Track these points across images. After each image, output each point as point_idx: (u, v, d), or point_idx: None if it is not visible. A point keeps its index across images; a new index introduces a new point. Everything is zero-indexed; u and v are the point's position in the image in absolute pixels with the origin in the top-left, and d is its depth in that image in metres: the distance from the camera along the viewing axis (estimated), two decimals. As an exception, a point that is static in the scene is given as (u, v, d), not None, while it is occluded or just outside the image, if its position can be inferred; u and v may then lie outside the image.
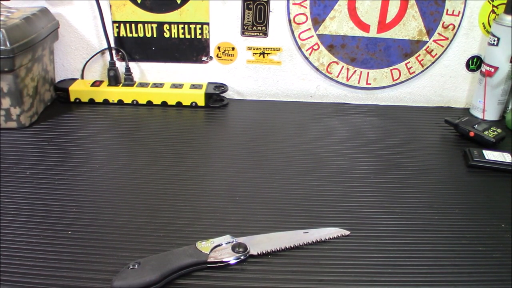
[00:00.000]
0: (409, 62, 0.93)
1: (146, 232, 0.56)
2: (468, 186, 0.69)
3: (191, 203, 0.62)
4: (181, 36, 0.91)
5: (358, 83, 0.95)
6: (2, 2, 0.84)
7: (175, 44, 0.91)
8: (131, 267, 0.47)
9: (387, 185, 0.68)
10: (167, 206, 0.61)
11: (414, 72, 0.94)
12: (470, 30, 0.90)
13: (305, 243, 0.55)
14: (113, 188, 0.64)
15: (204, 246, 0.51)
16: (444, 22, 0.89)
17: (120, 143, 0.77)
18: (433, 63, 0.93)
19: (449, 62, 0.93)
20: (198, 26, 0.90)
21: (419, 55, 0.92)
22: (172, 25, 0.90)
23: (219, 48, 0.92)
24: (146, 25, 0.89)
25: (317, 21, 0.89)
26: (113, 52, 0.90)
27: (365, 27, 0.89)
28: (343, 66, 0.93)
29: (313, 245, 0.55)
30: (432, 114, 0.93)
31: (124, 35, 0.90)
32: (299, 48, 0.91)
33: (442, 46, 0.92)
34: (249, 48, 0.92)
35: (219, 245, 0.52)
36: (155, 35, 0.90)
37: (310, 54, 0.92)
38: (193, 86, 0.91)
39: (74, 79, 0.92)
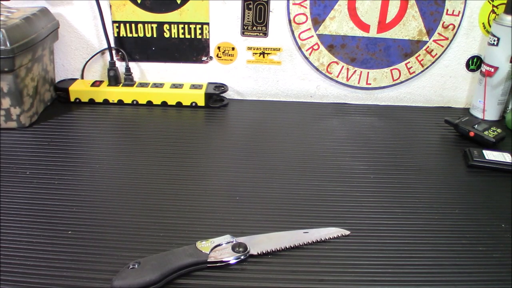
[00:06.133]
0: (409, 62, 0.93)
1: (146, 232, 0.56)
2: (468, 186, 0.69)
3: (191, 203, 0.62)
4: (181, 36, 0.91)
5: (358, 83, 0.95)
6: (2, 2, 0.84)
7: (175, 44, 0.91)
8: (131, 267, 0.47)
9: (387, 185, 0.68)
10: (167, 206, 0.61)
11: (414, 72, 0.94)
12: (470, 30, 0.90)
13: (305, 243, 0.55)
14: (113, 188, 0.64)
15: (204, 246, 0.51)
16: (444, 22, 0.89)
17: (120, 143, 0.77)
18: (433, 63, 0.93)
19: (449, 62, 0.93)
20: (198, 26, 0.90)
21: (419, 55, 0.92)
22: (172, 25, 0.90)
23: (219, 48, 0.92)
24: (146, 25, 0.89)
25: (317, 21, 0.89)
26: (113, 52, 0.90)
27: (365, 27, 0.89)
28: (343, 66, 0.93)
29: (313, 245, 0.55)
30: (432, 114, 0.93)
31: (124, 35, 0.90)
32: (299, 48, 0.91)
33: (442, 46, 0.92)
34: (249, 48, 0.92)
35: (219, 245, 0.52)
36: (155, 35, 0.90)
37: (310, 54, 0.92)
38: (193, 86, 0.91)
39: (74, 79, 0.92)
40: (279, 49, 0.92)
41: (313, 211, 0.61)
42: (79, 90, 0.88)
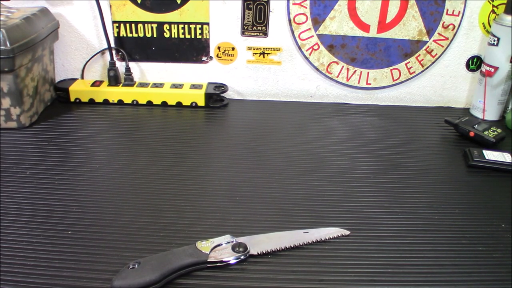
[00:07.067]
0: (409, 62, 0.93)
1: (146, 232, 0.56)
2: (468, 186, 0.69)
3: (191, 203, 0.62)
4: (181, 36, 0.91)
5: (358, 83, 0.95)
6: (2, 2, 0.84)
7: (175, 44, 0.91)
8: (131, 267, 0.47)
9: (387, 185, 0.68)
10: (167, 206, 0.61)
11: (414, 72, 0.94)
12: (470, 30, 0.90)
13: (305, 243, 0.55)
14: (113, 188, 0.64)
15: (204, 246, 0.51)
16: (444, 22, 0.89)
17: (120, 143, 0.77)
18: (433, 63, 0.93)
19: (449, 62, 0.93)
20: (198, 26, 0.90)
21: (419, 55, 0.92)
22: (172, 25, 0.90)
23: (219, 48, 0.92)
24: (146, 25, 0.89)
25: (317, 21, 0.89)
26: (113, 52, 0.90)
27: (365, 27, 0.89)
28: (343, 66, 0.93)
29: (313, 245, 0.55)
30: (432, 114, 0.93)
31: (124, 35, 0.90)
32: (299, 48, 0.91)
33: (442, 46, 0.92)
34: (249, 48, 0.92)
35: (219, 245, 0.52)
36: (155, 35, 0.90)
37: (310, 54, 0.92)
38: (193, 86, 0.91)
39: (74, 79, 0.92)
40: (279, 49, 0.92)
41: (313, 211, 0.61)
42: (79, 90, 0.88)
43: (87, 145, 0.75)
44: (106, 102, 0.89)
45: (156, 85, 0.91)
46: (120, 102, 0.89)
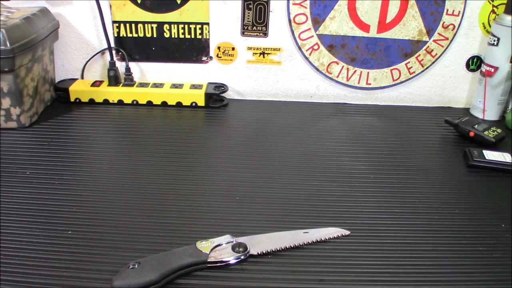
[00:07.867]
0: (409, 62, 0.93)
1: (146, 232, 0.56)
2: (468, 186, 0.69)
3: (191, 203, 0.62)
4: (181, 36, 0.91)
5: (358, 83, 0.95)
6: (2, 2, 0.84)
7: (175, 44, 0.91)
8: (131, 266, 0.47)
9: (387, 185, 0.68)
10: (167, 206, 0.61)
11: (414, 72, 0.94)
12: (470, 30, 0.90)
13: (305, 243, 0.55)
14: (113, 188, 0.64)
15: (204, 246, 0.51)
16: (444, 22, 0.89)
17: (120, 143, 0.77)
18: (433, 63, 0.93)
19: (449, 62, 0.93)
20: (198, 26, 0.90)
21: (419, 55, 0.92)
22: (172, 25, 0.90)
23: (219, 48, 0.92)
24: (146, 25, 0.89)
25: (317, 21, 0.89)
26: (113, 52, 0.90)
27: (365, 27, 0.89)
28: (343, 66, 0.93)
29: (313, 245, 0.55)
30: (432, 114, 0.93)
31: (124, 35, 0.90)
32: (299, 48, 0.91)
33: (442, 46, 0.92)
34: (249, 48, 0.92)
35: (219, 245, 0.52)
36: (155, 35, 0.90)
37: (310, 54, 0.92)
38: (193, 86, 0.91)
39: (74, 79, 0.92)
40: (279, 49, 0.92)
41: (313, 211, 0.61)
42: (79, 90, 0.88)
43: (87, 145, 0.75)
44: (106, 102, 0.89)
45: (156, 85, 0.91)
46: (120, 102, 0.89)
